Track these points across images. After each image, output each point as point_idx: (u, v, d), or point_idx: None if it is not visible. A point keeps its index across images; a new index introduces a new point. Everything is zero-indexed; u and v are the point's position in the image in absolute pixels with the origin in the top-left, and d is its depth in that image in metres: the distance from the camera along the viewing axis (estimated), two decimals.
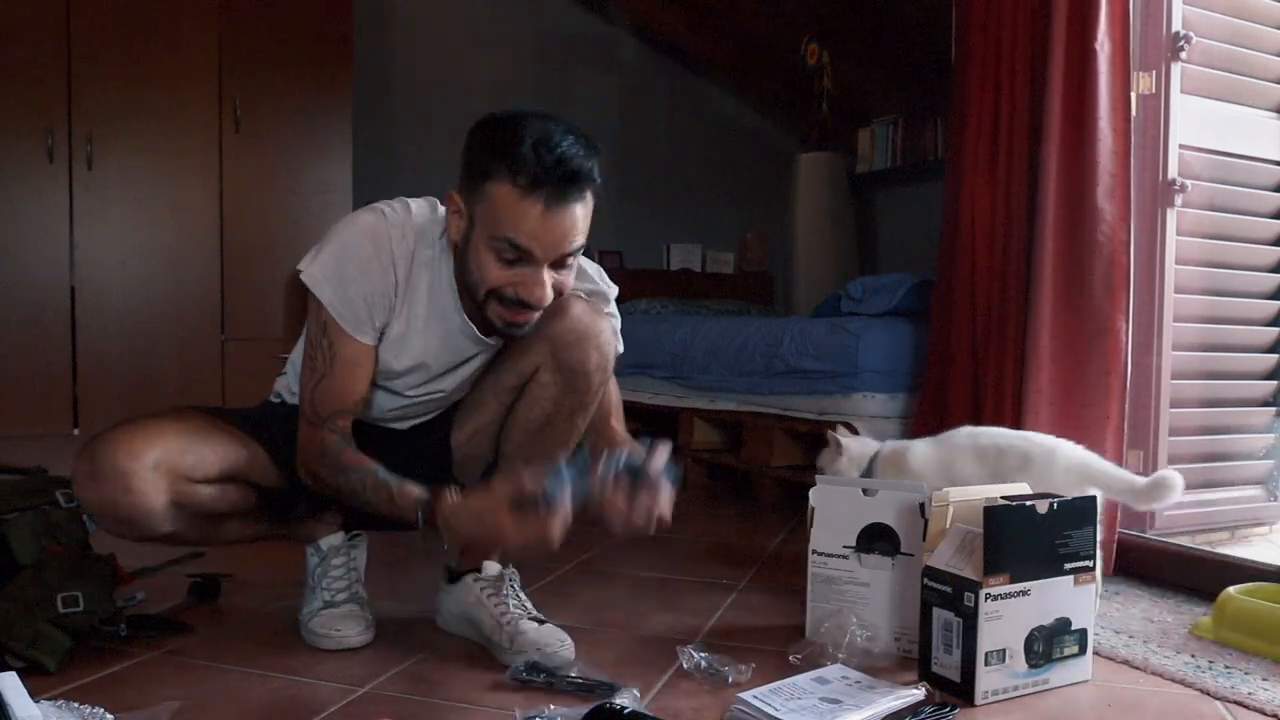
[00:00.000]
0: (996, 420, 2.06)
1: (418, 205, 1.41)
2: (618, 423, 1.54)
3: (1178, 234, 2.06)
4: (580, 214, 1.27)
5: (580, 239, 1.29)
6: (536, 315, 1.34)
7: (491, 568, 1.50)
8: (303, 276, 1.33)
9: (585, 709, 1.13)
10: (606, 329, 1.45)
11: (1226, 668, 1.41)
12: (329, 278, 1.32)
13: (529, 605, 1.46)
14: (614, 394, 1.54)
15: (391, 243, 1.35)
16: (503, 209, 1.24)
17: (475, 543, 1.45)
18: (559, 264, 1.29)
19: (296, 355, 1.51)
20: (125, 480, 1.26)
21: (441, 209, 1.40)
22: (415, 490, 1.29)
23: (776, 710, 1.15)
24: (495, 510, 1.22)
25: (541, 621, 1.42)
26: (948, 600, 1.27)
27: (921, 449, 1.82)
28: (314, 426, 1.35)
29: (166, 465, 1.29)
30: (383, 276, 1.34)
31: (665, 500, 1.24)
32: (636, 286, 4.22)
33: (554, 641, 1.38)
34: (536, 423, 1.47)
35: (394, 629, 1.51)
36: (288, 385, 1.55)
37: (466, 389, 1.51)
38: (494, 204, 1.25)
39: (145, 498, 1.28)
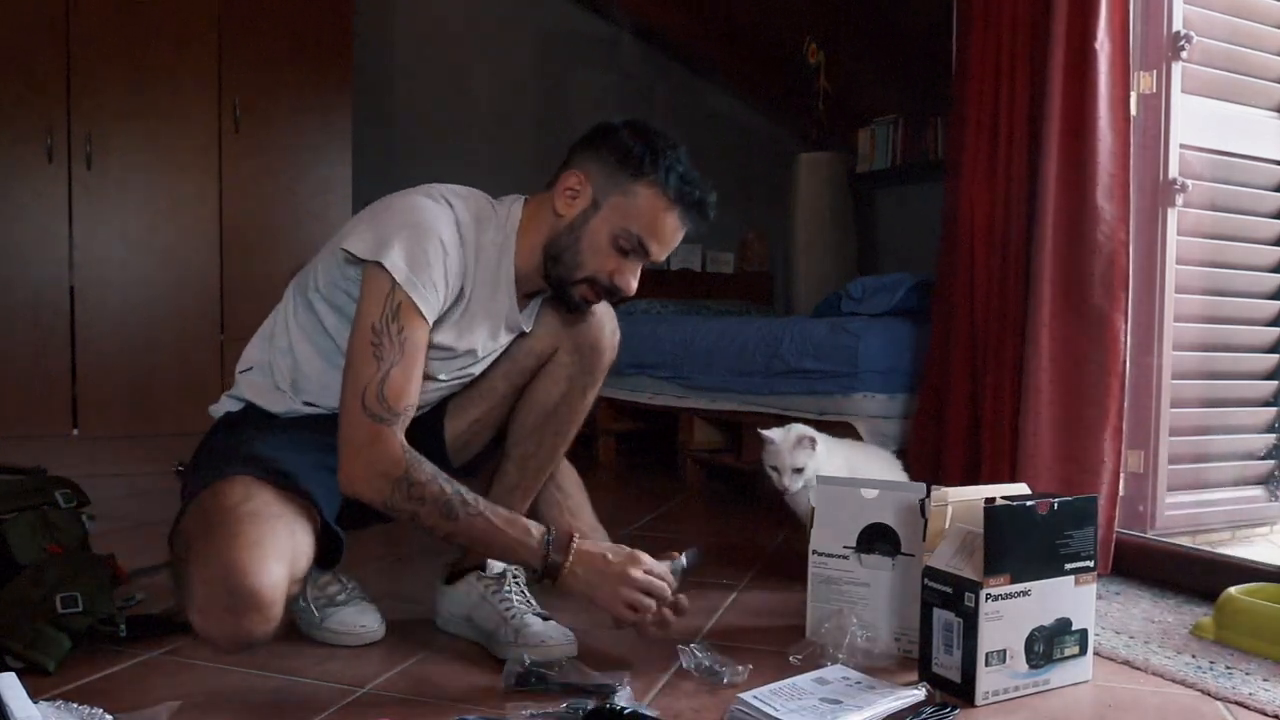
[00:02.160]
0: (996, 419, 2.06)
1: (470, 192, 1.44)
2: (584, 502, 1.68)
3: (1178, 234, 2.06)
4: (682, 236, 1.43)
5: None
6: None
7: (495, 565, 1.50)
8: (381, 259, 1.26)
9: (584, 709, 1.13)
10: (614, 313, 1.58)
11: (1227, 668, 1.41)
12: (410, 260, 1.28)
13: (534, 601, 1.46)
14: (573, 473, 1.69)
15: (460, 226, 1.36)
16: (646, 208, 1.38)
17: (583, 596, 1.32)
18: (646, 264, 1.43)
19: (264, 345, 1.43)
20: (267, 611, 1.13)
21: (487, 200, 1.45)
22: (533, 526, 1.30)
23: (776, 710, 1.14)
24: (625, 569, 1.29)
25: (546, 618, 1.42)
26: (948, 600, 1.27)
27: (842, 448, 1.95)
28: (383, 424, 1.25)
29: (291, 581, 1.19)
30: (458, 259, 1.35)
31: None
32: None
33: (559, 638, 1.38)
34: (553, 401, 1.54)
35: (394, 629, 1.51)
36: (273, 384, 1.42)
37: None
38: (638, 201, 1.37)
39: (275, 624, 1.16)
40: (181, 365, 3.36)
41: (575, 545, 1.29)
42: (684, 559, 1.39)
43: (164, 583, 1.74)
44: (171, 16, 3.31)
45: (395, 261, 1.27)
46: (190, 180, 3.38)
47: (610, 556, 1.30)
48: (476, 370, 1.49)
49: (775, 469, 1.84)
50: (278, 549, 1.17)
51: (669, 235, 1.41)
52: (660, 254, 1.42)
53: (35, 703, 1.03)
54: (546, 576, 1.30)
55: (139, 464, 3.18)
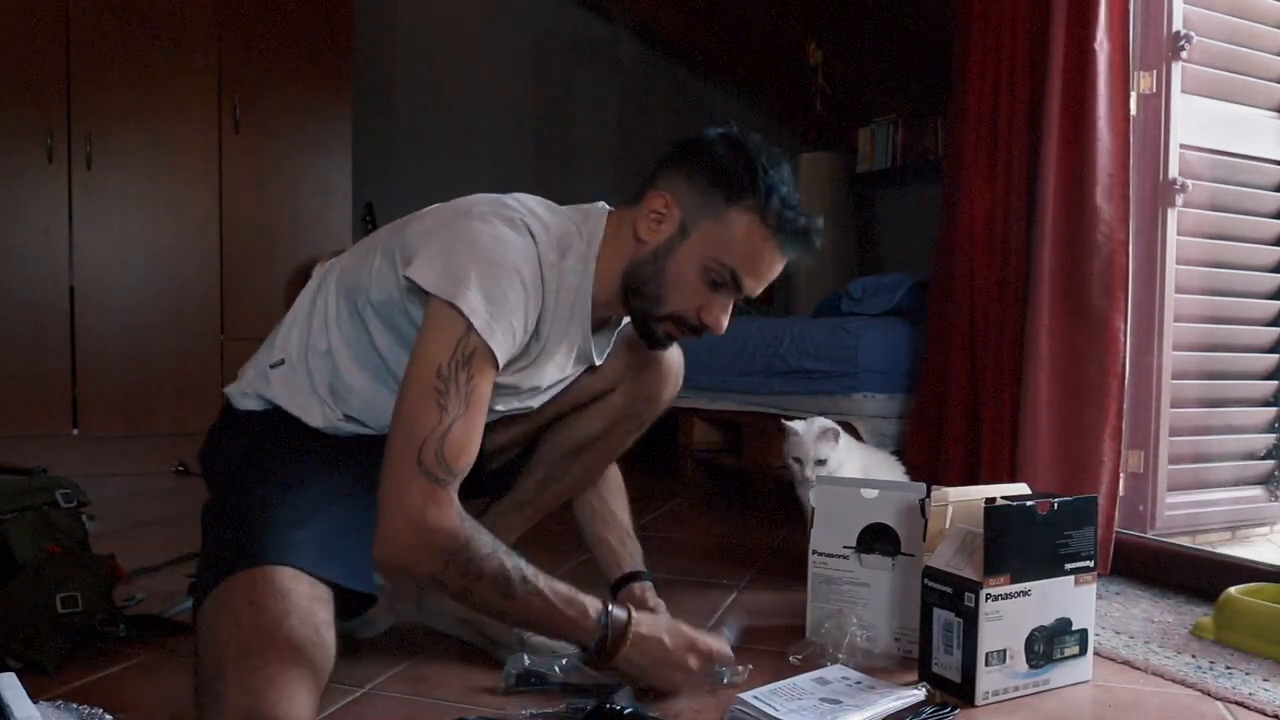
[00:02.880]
0: (996, 419, 2.06)
1: (551, 211, 1.28)
2: (621, 510, 1.57)
3: (1178, 234, 2.06)
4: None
5: None
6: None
7: None
8: (457, 301, 1.11)
9: (584, 709, 1.13)
10: (683, 361, 1.51)
11: (1227, 668, 1.41)
12: (489, 303, 1.12)
13: None
14: (618, 478, 1.60)
15: (543, 266, 1.21)
16: (741, 237, 1.23)
17: (637, 677, 1.24)
18: (739, 300, 1.30)
19: (299, 341, 1.28)
20: None
21: (569, 217, 1.30)
22: (590, 605, 1.18)
23: (776, 710, 1.14)
24: (685, 658, 1.22)
25: None
26: (948, 600, 1.27)
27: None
28: (440, 486, 1.09)
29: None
30: (537, 303, 1.21)
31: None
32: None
33: (565, 643, 1.37)
34: (590, 436, 1.48)
35: (394, 629, 1.51)
36: (309, 387, 1.27)
37: None
38: (733, 228, 1.23)
39: None
40: (181, 365, 3.36)
41: (632, 629, 1.19)
42: (728, 633, 1.35)
43: (165, 583, 1.74)
44: (171, 16, 3.31)
45: (474, 304, 1.11)
46: (190, 180, 3.38)
47: (668, 641, 1.21)
48: (536, 403, 1.39)
49: (798, 460, 1.85)
50: (313, 691, 1.01)
51: (767, 268, 1.25)
52: (755, 289, 1.27)
53: (35, 703, 1.03)
54: (599, 657, 1.20)
55: (139, 464, 3.18)
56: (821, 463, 1.83)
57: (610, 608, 1.20)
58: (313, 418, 1.27)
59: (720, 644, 1.26)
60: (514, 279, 1.15)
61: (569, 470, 1.51)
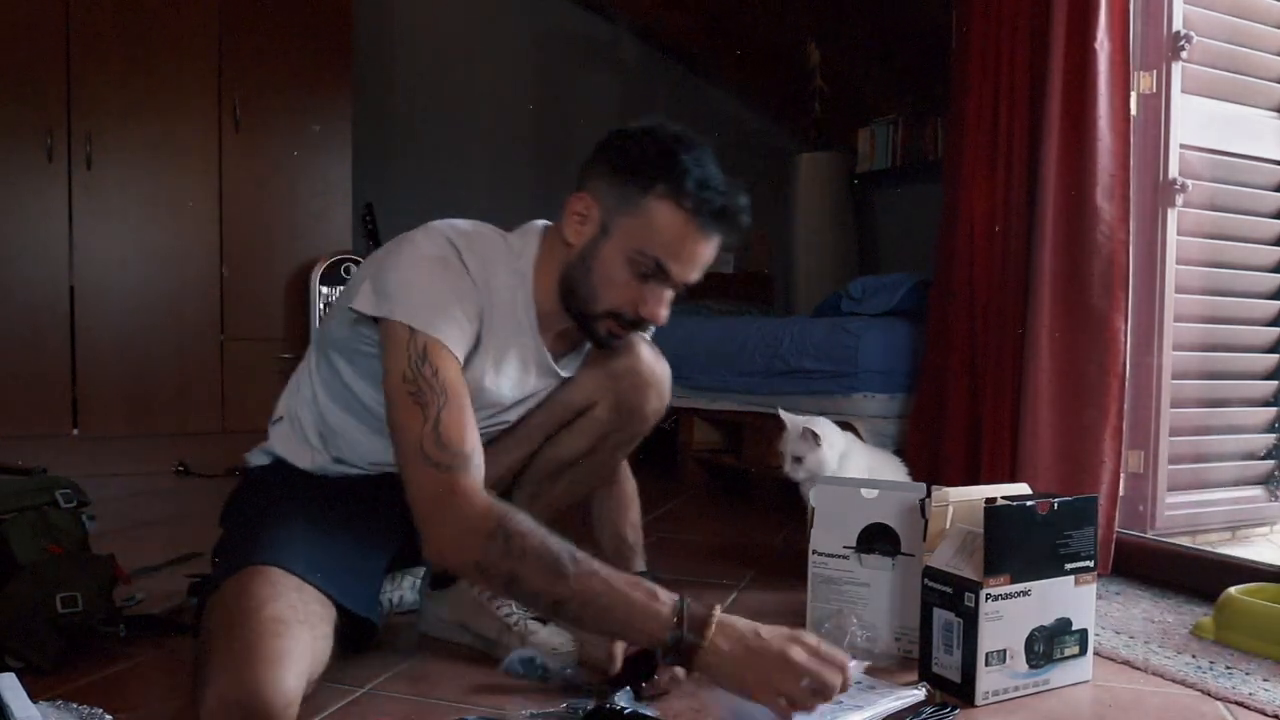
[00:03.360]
0: (996, 419, 2.06)
1: (476, 230, 1.31)
2: (633, 531, 1.53)
3: (1178, 234, 2.06)
4: (718, 248, 1.28)
5: None
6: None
7: None
8: (391, 314, 1.17)
9: (584, 709, 1.13)
10: (668, 373, 1.50)
11: (1227, 668, 1.41)
12: (421, 303, 1.17)
13: None
14: (630, 490, 1.56)
15: (469, 271, 1.24)
16: (661, 227, 1.22)
17: (725, 679, 1.05)
18: (676, 288, 1.29)
19: (291, 395, 1.38)
20: None
21: (499, 234, 1.33)
22: (662, 592, 1.06)
23: None
24: (785, 650, 1.02)
25: (546, 621, 1.41)
26: (948, 600, 1.27)
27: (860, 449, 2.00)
28: (453, 472, 1.10)
29: (308, 685, 1.06)
30: (471, 289, 1.24)
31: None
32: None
33: (565, 641, 1.37)
34: (574, 455, 1.47)
35: (394, 629, 1.51)
36: (302, 436, 1.36)
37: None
38: (651, 220, 1.23)
39: None
40: (181, 365, 3.36)
41: (717, 616, 1.06)
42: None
43: (165, 583, 1.74)
44: (171, 16, 3.31)
45: (406, 309, 1.17)
46: (190, 180, 3.38)
47: (764, 633, 1.05)
48: (511, 417, 1.40)
49: (782, 453, 1.92)
50: (297, 664, 1.02)
51: (691, 253, 1.24)
52: (687, 274, 1.25)
53: (35, 703, 1.03)
54: (677, 653, 1.05)
55: (139, 464, 3.18)
56: (798, 460, 1.88)
57: (684, 596, 1.08)
58: (303, 462, 1.37)
59: (837, 652, 1.05)
60: (435, 276, 1.20)
61: (555, 485, 1.50)
